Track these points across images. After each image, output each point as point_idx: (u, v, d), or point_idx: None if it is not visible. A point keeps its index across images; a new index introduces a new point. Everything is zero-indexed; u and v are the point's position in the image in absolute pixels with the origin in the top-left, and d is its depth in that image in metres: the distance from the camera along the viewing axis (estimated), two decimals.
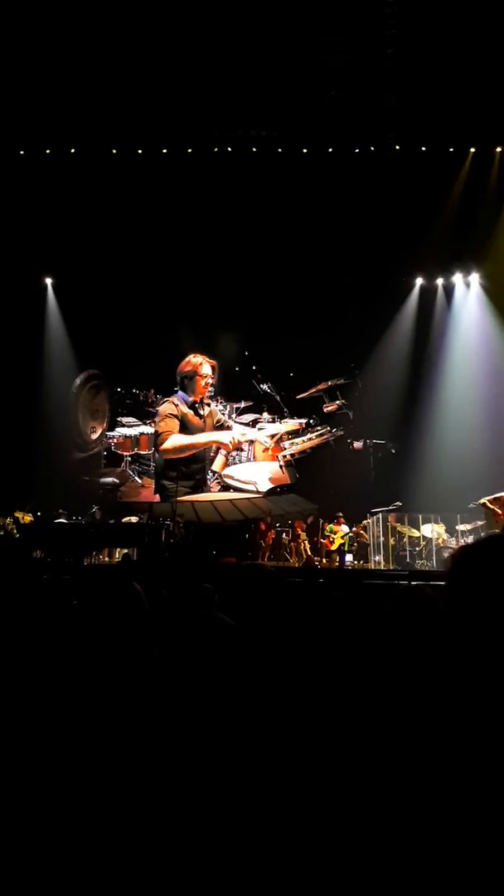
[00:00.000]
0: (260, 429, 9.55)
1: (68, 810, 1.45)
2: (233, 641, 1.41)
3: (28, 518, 9.52)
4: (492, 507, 8.86)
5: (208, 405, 8.11)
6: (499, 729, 1.11)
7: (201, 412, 7.78)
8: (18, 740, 1.61)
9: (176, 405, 7.46)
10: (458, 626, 1.19)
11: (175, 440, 7.31)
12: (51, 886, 1.37)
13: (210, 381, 7.69)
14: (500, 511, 8.73)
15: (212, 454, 8.24)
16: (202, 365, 7.58)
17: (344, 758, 1.51)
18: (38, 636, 2.13)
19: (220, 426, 8.10)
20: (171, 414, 7.41)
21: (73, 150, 10.91)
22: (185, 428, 7.48)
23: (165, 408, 7.52)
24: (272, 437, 8.76)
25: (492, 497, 8.92)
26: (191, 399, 7.63)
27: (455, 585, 1.22)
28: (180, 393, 7.68)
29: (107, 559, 8.42)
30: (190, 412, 7.55)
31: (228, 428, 8.17)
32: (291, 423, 8.75)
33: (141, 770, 1.44)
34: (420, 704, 1.47)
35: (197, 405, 7.76)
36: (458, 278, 12.33)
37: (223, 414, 9.07)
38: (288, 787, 1.45)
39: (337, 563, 9.49)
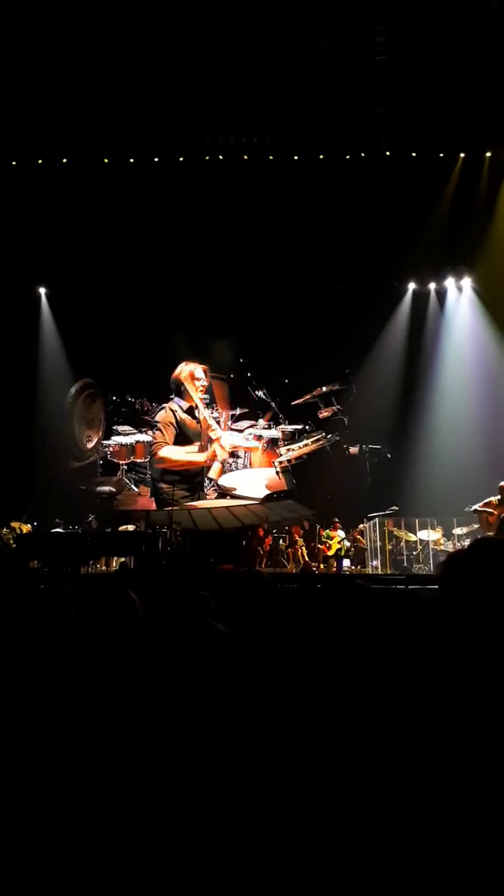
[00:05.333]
0: (258, 435, 9.59)
1: (66, 819, 1.45)
2: (225, 648, 1.42)
3: (26, 528, 9.52)
4: (484, 511, 8.93)
5: (206, 407, 8.19)
6: (492, 724, 1.12)
7: (198, 417, 7.85)
8: (16, 749, 1.60)
9: (174, 412, 7.53)
10: (452, 629, 1.20)
11: (166, 452, 7.40)
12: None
13: (204, 384, 7.77)
14: (493, 513, 8.78)
15: (208, 461, 8.24)
16: (195, 370, 7.67)
17: (341, 762, 1.51)
18: (35, 647, 2.13)
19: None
20: (169, 423, 7.47)
21: (65, 160, 10.94)
22: (183, 434, 7.54)
23: (163, 417, 7.59)
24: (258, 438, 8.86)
25: (483, 502, 8.99)
26: (187, 404, 7.70)
27: (446, 590, 1.24)
28: (176, 399, 7.74)
29: (104, 568, 8.41)
30: (187, 417, 7.63)
31: (217, 439, 8.21)
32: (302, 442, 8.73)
33: (137, 777, 1.44)
34: (418, 707, 1.47)
35: (194, 410, 7.85)
36: (450, 283, 12.38)
37: (216, 421, 9.09)
38: (285, 790, 1.45)
39: (335, 569, 9.51)
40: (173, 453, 7.36)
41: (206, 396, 8.17)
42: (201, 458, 7.56)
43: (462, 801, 1.13)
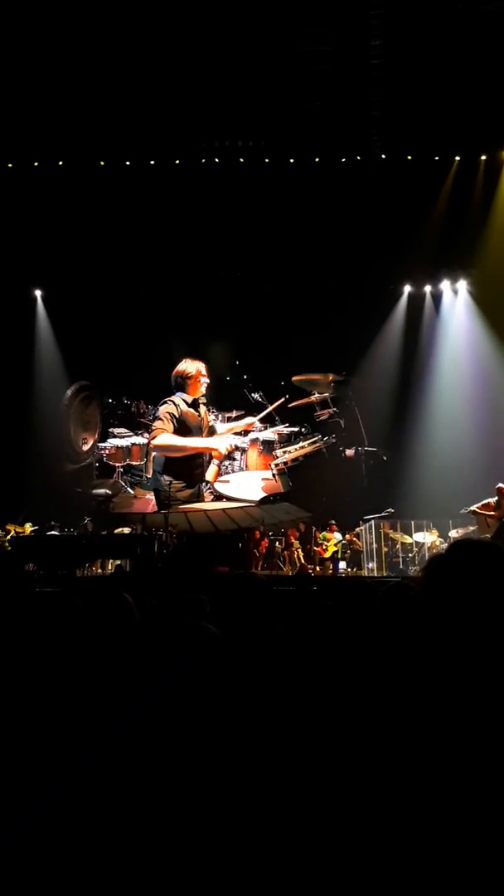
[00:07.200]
0: (254, 440, 9.58)
1: (61, 821, 1.45)
2: (215, 650, 1.42)
3: (24, 529, 9.50)
4: (481, 513, 8.95)
5: (205, 404, 8.08)
6: (470, 718, 1.13)
7: (200, 410, 7.77)
8: (10, 751, 1.61)
9: (176, 405, 7.41)
10: (432, 627, 1.22)
11: (164, 438, 7.23)
12: None
13: (205, 380, 7.69)
14: (489, 517, 8.81)
15: (206, 461, 8.20)
16: (200, 367, 7.58)
17: (335, 761, 1.51)
18: (30, 649, 2.13)
19: (211, 431, 8.08)
20: (171, 414, 7.36)
21: (60, 163, 10.96)
22: (184, 425, 7.43)
23: (165, 408, 7.46)
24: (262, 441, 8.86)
25: (480, 504, 9.01)
26: (191, 398, 7.61)
27: (428, 590, 1.26)
28: (179, 393, 7.65)
29: (100, 571, 8.39)
30: (190, 410, 7.51)
31: (215, 432, 8.14)
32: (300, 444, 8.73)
33: (131, 780, 1.44)
34: (411, 703, 1.48)
35: (197, 403, 7.75)
36: (445, 285, 12.41)
37: (214, 420, 9.04)
38: (280, 792, 1.45)
39: (331, 571, 9.51)
40: (170, 439, 7.26)
41: (206, 394, 8.11)
42: (201, 443, 7.47)
43: (455, 799, 1.14)
